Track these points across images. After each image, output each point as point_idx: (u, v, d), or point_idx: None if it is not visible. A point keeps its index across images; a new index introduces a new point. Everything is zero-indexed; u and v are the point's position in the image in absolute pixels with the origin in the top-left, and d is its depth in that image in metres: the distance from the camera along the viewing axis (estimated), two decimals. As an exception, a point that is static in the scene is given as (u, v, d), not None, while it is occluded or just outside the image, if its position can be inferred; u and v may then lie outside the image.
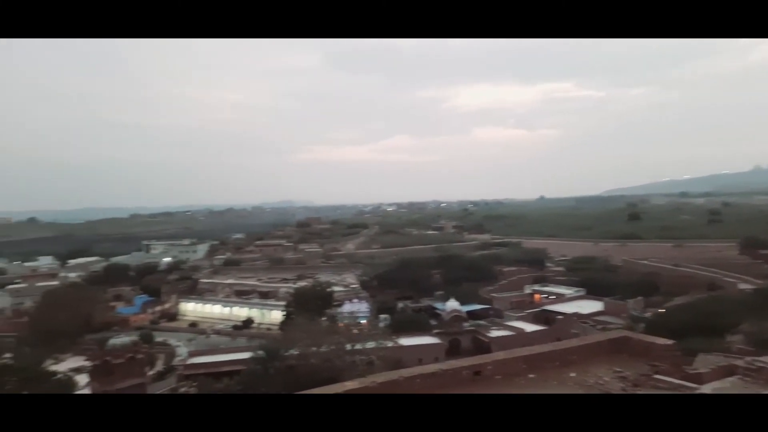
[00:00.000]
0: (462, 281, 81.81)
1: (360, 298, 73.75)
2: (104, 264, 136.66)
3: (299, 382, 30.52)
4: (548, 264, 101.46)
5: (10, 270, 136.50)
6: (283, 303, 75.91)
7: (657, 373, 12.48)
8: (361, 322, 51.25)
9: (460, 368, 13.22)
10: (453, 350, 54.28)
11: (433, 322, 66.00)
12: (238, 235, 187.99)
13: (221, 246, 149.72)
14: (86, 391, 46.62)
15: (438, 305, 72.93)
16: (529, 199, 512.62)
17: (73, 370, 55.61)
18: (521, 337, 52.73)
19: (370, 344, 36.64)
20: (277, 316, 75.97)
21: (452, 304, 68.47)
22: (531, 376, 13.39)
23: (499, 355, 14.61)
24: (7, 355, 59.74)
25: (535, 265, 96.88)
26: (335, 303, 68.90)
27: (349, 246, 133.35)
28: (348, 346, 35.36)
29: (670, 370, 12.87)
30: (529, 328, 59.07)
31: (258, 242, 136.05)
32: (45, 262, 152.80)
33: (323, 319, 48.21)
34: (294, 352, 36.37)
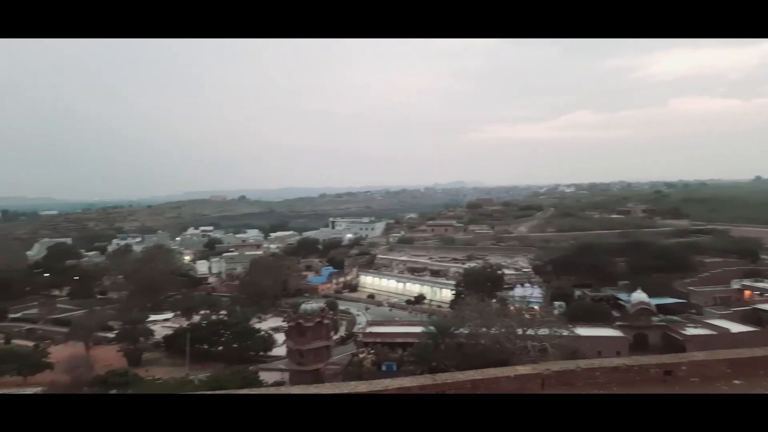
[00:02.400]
0: (651, 271, 73.42)
1: (532, 283, 71.12)
2: (298, 237, 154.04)
3: (468, 360, 30.82)
4: (763, 256, 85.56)
5: (225, 240, 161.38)
6: (453, 282, 77.01)
7: None
8: (534, 307, 49.47)
9: (647, 365, 11.92)
10: (638, 345, 49.52)
11: (616, 314, 60.85)
12: (412, 215, 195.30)
13: (396, 224, 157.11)
14: (283, 348, 53.29)
15: (622, 296, 66.81)
16: (741, 180, 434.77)
17: (273, 329, 64.21)
18: (724, 338, 45.77)
19: (544, 331, 35.23)
20: (447, 294, 77.51)
21: (639, 296, 61.99)
22: (737, 381, 11.52)
23: (696, 355, 12.82)
24: (223, 312, 71.56)
25: (747, 256, 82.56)
26: (506, 286, 67.59)
27: (522, 228, 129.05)
28: (519, 330, 34.54)
29: None
30: (736, 328, 50.94)
31: (430, 222, 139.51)
32: (252, 234, 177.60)
33: (493, 301, 47.72)
34: (464, 330, 36.76)
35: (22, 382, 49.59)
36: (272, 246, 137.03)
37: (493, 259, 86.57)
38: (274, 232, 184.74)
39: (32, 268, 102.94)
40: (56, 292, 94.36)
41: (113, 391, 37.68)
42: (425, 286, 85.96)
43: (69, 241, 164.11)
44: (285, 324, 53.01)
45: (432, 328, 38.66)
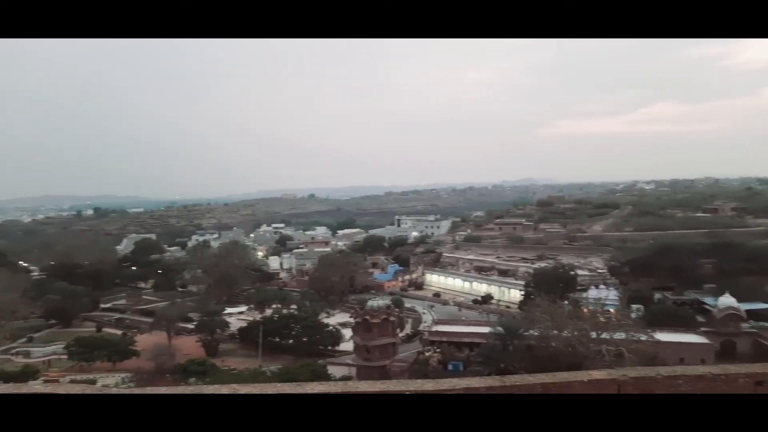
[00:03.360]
0: (741, 274, 67.79)
1: (608, 285, 67.85)
2: (364, 235, 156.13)
3: (538, 363, 29.92)
4: None
5: (295, 237, 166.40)
6: (522, 282, 75.06)
7: None
8: (609, 310, 47.19)
9: (736, 375, 11.04)
10: (726, 353, 46.01)
11: (701, 319, 56.84)
12: (479, 213, 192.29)
13: (462, 223, 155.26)
14: (351, 343, 54.24)
15: (707, 300, 62.30)
16: None
17: (341, 324, 65.47)
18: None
19: (620, 335, 33.53)
20: (515, 294, 75.62)
21: (727, 300, 57.47)
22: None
23: (796, 367, 11.70)
24: (293, 306, 73.87)
25: None
26: (579, 287, 64.95)
27: (596, 227, 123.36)
28: (593, 334, 33.08)
29: None
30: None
31: (497, 220, 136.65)
32: (321, 231, 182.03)
33: (565, 302, 46.01)
34: (533, 332, 35.72)
35: (111, 368, 53.70)
36: (340, 243, 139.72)
37: (565, 259, 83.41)
38: (342, 229, 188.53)
39: (121, 262, 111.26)
40: (142, 285, 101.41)
41: (192, 380, 39.91)
42: (492, 286, 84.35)
43: (153, 236, 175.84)
44: (352, 320, 53.90)
45: (500, 328, 37.88)
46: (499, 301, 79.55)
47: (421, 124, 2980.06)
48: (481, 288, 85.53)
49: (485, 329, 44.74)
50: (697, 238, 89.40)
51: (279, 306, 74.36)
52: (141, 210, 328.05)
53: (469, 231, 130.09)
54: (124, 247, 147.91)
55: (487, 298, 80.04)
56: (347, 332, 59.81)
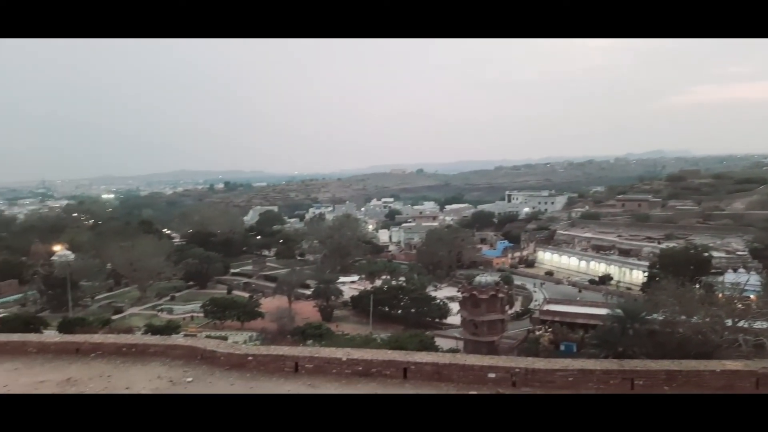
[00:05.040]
0: None
1: (748, 268, 60.56)
2: (473, 210, 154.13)
3: (662, 349, 27.81)
4: None
5: (404, 211, 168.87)
6: (646, 263, 69.80)
7: None
8: (749, 296, 42.20)
9: None
10: None
11: None
12: (598, 188, 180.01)
13: (579, 199, 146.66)
14: (458, 317, 54.43)
15: None
16: None
17: (448, 298, 65.88)
18: None
19: (761, 324, 29.95)
20: (638, 276, 70.59)
21: None
22: None
23: None
24: (402, 278, 75.57)
25: None
26: (713, 270, 58.79)
27: (737, 205, 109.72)
28: (728, 321, 29.89)
29: None
30: None
31: (620, 196, 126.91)
32: (428, 206, 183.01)
33: (696, 286, 41.91)
34: (657, 317, 33.15)
35: (240, 327, 59.18)
36: (447, 218, 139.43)
37: (698, 240, 75.66)
38: (450, 204, 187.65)
39: (247, 232, 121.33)
40: (266, 253, 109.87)
41: (310, 342, 42.73)
42: (612, 266, 79.27)
43: (275, 209, 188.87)
44: (459, 294, 53.92)
45: (619, 311, 35.59)
46: (618, 282, 74.68)
47: (537, 95, 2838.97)
48: (598, 268, 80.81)
49: (602, 311, 42.40)
50: None
51: (388, 277, 76.50)
52: (264, 184, 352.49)
53: (587, 207, 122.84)
54: (250, 218, 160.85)
55: (605, 279, 75.51)
56: (454, 306, 60.03)
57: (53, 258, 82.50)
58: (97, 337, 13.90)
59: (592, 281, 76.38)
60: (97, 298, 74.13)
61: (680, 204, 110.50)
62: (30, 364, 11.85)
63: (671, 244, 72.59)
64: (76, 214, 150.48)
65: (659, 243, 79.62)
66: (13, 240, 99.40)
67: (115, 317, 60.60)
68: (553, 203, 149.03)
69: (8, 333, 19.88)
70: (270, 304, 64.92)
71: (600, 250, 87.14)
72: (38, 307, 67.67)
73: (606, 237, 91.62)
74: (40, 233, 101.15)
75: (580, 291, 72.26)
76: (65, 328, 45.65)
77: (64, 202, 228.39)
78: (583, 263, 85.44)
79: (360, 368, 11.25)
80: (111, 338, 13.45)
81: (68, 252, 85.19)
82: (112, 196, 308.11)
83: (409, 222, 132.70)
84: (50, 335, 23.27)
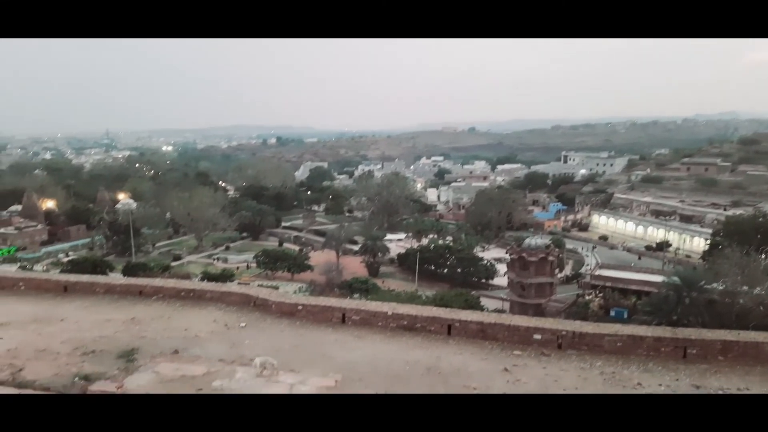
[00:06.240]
0: None
1: (825, 241, 56.46)
2: (525, 171, 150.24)
3: (719, 319, 26.73)
4: None
5: (454, 170, 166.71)
6: (709, 230, 66.38)
7: None
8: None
9: None
10: None
11: None
12: (662, 151, 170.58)
13: (640, 161, 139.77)
14: (505, 279, 54.09)
15: None
16: None
17: (496, 259, 65.38)
18: None
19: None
20: (699, 243, 67.48)
21: None
22: None
23: None
24: (449, 237, 75.45)
25: None
26: (784, 241, 55.19)
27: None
28: (796, 295, 28.26)
29: None
30: None
31: (685, 160, 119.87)
32: (479, 166, 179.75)
33: (762, 257, 39.60)
34: (717, 286, 31.72)
35: (290, 278, 61.24)
36: (499, 178, 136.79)
37: (769, 208, 71.04)
38: (502, 164, 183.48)
39: (298, 186, 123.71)
40: (315, 208, 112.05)
41: (356, 296, 43.77)
42: (671, 233, 75.92)
43: (325, 165, 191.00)
44: (507, 256, 53.35)
45: (676, 278, 34.21)
46: (677, 249, 71.62)
47: (600, 51, 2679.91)
48: (657, 234, 77.63)
49: (657, 278, 40.96)
50: None
51: (435, 236, 76.54)
52: (315, 140, 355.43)
53: (648, 171, 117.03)
54: (301, 173, 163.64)
55: (663, 245, 72.55)
56: (501, 267, 59.60)
57: (117, 206, 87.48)
58: (158, 282, 14.74)
59: (648, 247, 73.67)
60: (157, 245, 78.38)
61: (751, 169, 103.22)
62: (98, 303, 12.73)
63: (738, 212, 68.45)
64: (138, 165, 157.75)
65: (725, 210, 75.32)
66: (80, 188, 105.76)
67: (174, 264, 63.98)
68: (612, 165, 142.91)
69: (78, 274, 21.41)
70: (319, 257, 66.61)
71: (660, 215, 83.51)
72: (104, 251, 72.32)
73: (667, 202, 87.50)
74: (105, 182, 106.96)
75: (639, 258, 69.83)
76: (129, 271, 48.71)
77: (127, 153, 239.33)
78: (641, 229, 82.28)
79: (405, 323, 11.42)
80: (171, 283, 14.22)
81: (131, 200, 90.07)
82: (170, 148, 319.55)
83: (459, 181, 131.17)
84: (116, 278, 24.90)
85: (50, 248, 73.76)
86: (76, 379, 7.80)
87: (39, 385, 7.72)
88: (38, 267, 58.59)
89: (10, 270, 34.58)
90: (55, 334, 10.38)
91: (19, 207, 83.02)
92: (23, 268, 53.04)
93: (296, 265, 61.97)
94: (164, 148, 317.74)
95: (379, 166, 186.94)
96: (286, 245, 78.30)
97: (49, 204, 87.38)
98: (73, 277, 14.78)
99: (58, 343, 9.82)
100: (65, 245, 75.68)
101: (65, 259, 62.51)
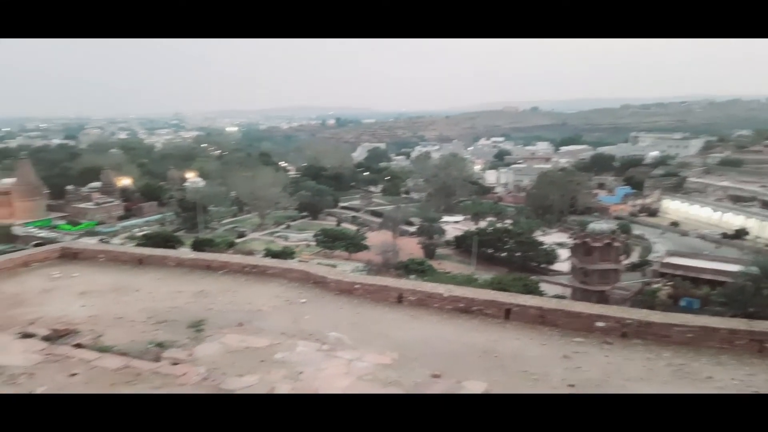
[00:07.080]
0: None
1: None
2: (591, 153, 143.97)
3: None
4: None
5: (514, 152, 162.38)
6: (794, 218, 61.49)
7: None
8: None
9: None
10: None
11: None
12: (743, 132, 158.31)
13: (718, 143, 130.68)
14: (566, 264, 52.59)
15: None
16: None
17: (557, 244, 63.55)
18: None
19: None
20: (782, 232, 62.71)
21: None
22: None
23: None
24: (508, 221, 73.94)
25: None
26: None
27: None
28: None
29: None
30: None
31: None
32: (541, 147, 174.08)
33: None
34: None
35: (347, 257, 62.31)
36: (562, 160, 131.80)
37: None
38: (566, 145, 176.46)
39: (356, 167, 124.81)
40: (372, 189, 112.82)
41: (412, 277, 43.98)
42: (751, 219, 70.87)
43: (383, 146, 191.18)
44: (570, 241, 51.76)
45: (755, 268, 32.03)
46: (757, 237, 66.90)
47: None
48: (735, 221, 72.73)
49: (733, 267, 38.51)
50: None
51: (494, 219, 75.28)
52: (373, 121, 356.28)
53: (727, 153, 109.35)
54: (359, 154, 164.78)
55: (741, 233, 67.96)
56: (563, 253, 57.94)
57: (186, 184, 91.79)
58: (224, 257, 15.39)
59: (724, 235, 69.23)
60: (223, 222, 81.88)
61: None
62: (170, 275, 13.46)
63: (831, 199, 62.87)
64: (204, 145, 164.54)
65: (814, 196, 69.52)
66: (152, 166, 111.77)
67: (238, 240, 66.73)
68: (686, 147, 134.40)
69: (152, 248, 22.73)
70: (375, 237, 67.29)
71: (738, 201, 78.15)
72: (174, 227, 76.40)
73: (747, 187, 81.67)
74: (175, 161, 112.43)
75: (717, 247, 65.71)
76: (197, 246, 51.26)
77: (195, 133, 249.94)
78: (717, 215, 77.33)
79: (461, 305, 11.34)
80: (236, 258, 14.79)
81: (199, 179, 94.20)
82: (235, 128, 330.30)
83: (520, 163, 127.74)
84: (185, 252, 26.24)
85: (126, 223, 78.81)
86: (151, 345, 8.30)
87: (117, 350, 8.29)
88: (116, 240, 62.82)
89: (92, 242, 37.17)
90: (131, 303, 11.08)
91: (98, 184, 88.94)
92: (103, 240, 57.05)
93: (354, 244, 62.88)
94: (229, 128, 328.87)
95: (436, 147, 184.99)
96: (344, 225, 79.54)
97: (124, 181, 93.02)
98: (147, 251, 15.68)
99: (134, 311, 10.49)
100: (139, 220, 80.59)
101: (139, 234, 66.61)
